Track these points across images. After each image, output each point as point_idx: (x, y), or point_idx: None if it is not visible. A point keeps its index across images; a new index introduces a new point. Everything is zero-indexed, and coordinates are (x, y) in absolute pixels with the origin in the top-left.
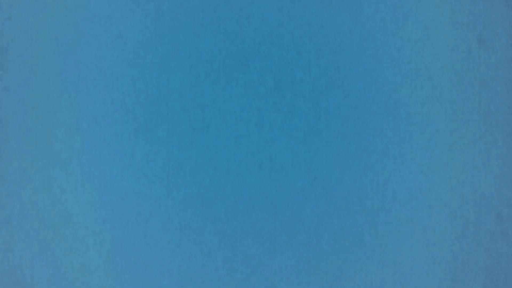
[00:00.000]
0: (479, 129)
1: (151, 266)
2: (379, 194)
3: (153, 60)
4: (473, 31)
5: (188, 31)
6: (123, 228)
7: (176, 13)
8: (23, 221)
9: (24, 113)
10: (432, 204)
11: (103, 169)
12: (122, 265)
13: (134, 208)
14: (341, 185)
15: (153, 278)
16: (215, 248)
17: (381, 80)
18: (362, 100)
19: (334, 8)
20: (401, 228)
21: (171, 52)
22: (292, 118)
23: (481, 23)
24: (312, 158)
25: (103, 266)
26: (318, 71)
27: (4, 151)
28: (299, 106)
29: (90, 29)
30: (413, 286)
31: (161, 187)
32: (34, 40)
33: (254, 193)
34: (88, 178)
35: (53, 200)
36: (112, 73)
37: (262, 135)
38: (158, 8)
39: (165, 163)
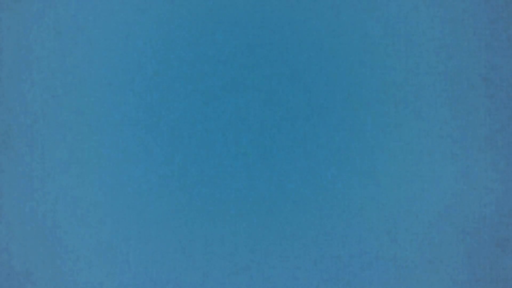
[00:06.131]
0: (482, 130)
1: (150, 266)
2: (379, 195)
3: (153, 60)
4: (476, 31)
5: (190, 30)
6: (122, 228)
7: (176, 13)
8: (22, 221)
9: (23, 113)
10: (433, 206)
11: (103, 169)
12: (122, 265)
13: (134, 208)
14: (341, 185)
15: (151, 278)
16: (214, 249)
17: (381, 81)
18: (362, 101)
19: (335, 9)
20: (401, 229)
21: (171, 51)
22: (291, 118)
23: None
24: (311, 158)
25: (103, 266)
26: (317, 71)
27: (4, 151)
28: (298, 106)
29: (91, 29)
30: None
31: (161, 187)
32: (32, 39)
33: (253, 192)
34: (87, 178)
35: (53, 200)
36: (112, 73)
37: (262, 135)
38: (161, 8)
39: (165, 163)
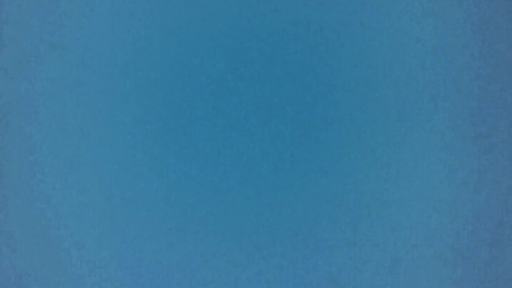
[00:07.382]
0: (482, 131)
1: (149, 266)
2: (379, 195)
3: (153, 60)
4: (477, 32)
5: (190, 30)
6: (121, 228)
7: (176, 13)
8: (22, 222)
9: (22, 113)
10: (433, 206)
11: (102, 169)
12: (121, 266)
13: (133, 208)
14: (341, 185)
15: (150, 279)
16: (213, 250)
17: (380, 81)
18: (362, 101)
19: (335, 9)
20: (400, 229)
21: (171, 51)
22: (292, 118)
23: (484, 24)
24: (311, 158)
25: (103, 266)
26: (317, 71)
27: (3, 152)
28: (298, 107)
29: (91, 28)
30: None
31: (161, 187)
32: (32, 39)
33: (252, 192)
34: (87, 178)
35: (53, 200)
36: (111, 73)
37: (262, 135)
38: (160, 7)
39: (165, 162)
